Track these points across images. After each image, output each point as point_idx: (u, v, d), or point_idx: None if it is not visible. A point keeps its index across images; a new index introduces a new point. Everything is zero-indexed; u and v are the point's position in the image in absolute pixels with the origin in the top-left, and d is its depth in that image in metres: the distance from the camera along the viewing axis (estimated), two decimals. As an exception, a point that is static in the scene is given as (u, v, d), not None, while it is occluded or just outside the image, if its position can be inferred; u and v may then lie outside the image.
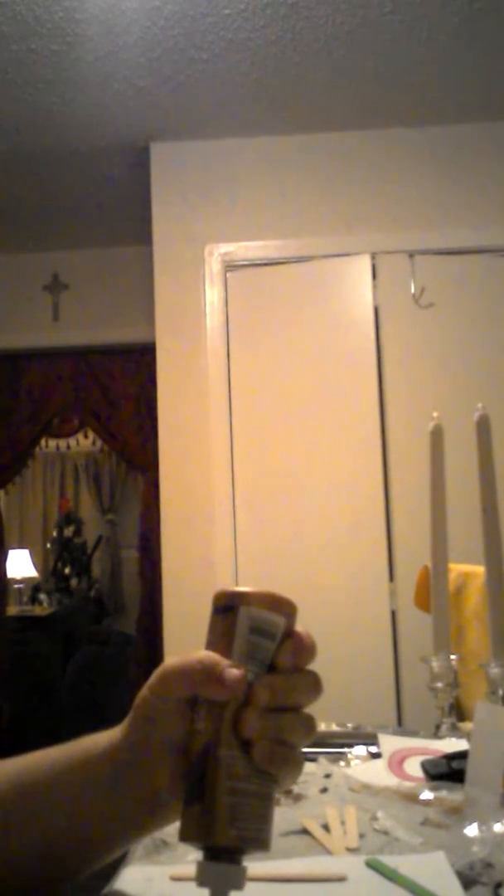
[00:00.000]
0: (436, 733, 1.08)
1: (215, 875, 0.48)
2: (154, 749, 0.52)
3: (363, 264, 2.99)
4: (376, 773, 0.94)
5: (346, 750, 1.04)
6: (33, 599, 6.89)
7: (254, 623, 0.51)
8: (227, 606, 0.52)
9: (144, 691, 0.53)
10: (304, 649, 0.51)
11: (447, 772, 0.86)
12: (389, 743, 1.02)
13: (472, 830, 0.71)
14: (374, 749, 1.04)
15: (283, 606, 0.52)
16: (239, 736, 0.49)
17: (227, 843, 0.47)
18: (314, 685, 0.51)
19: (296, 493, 2.91)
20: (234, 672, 0.49)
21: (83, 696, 4.15)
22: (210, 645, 0.52)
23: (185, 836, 0.49)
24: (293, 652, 0.51)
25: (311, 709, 0.52)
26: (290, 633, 0.52)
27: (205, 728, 0.49)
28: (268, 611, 0.51)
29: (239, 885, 0.48)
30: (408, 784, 0.88)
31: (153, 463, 3.25)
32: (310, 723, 0.51)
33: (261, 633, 0.51)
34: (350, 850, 0.70)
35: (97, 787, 0.54)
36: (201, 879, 0.48)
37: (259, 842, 0.49)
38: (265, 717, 0.49)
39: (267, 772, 0.49)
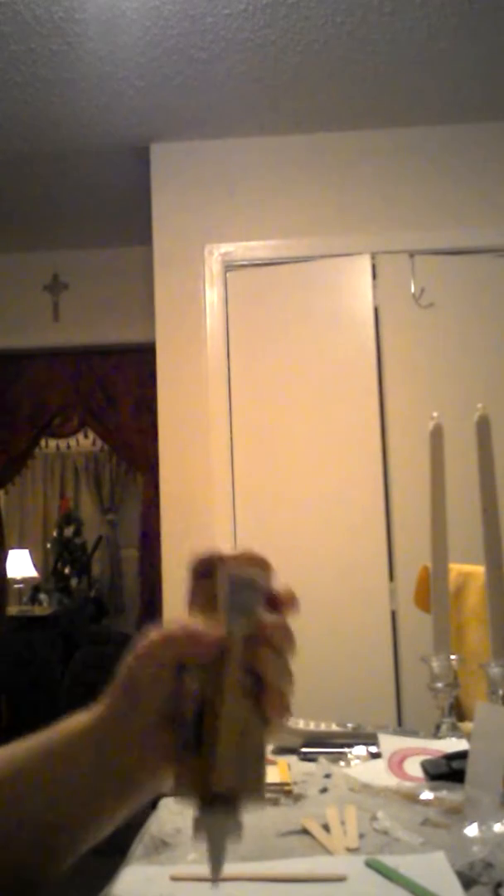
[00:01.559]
0: (436, 733, 1.08)
1: (213, 823, 0.49)
2: (140, 718, 0.53)
3: (363, 264, 2.99)
4: (376, 773, 0.94)
5: (346, 750, 1.04)
6: (33, 599, 6.89)
7: (233, 580, 0.52)
8: (205, 571, 0.53)
9: (129, 661, 0.54)
10: (290, 600, 0.54)
11: (447, 772, 0.86)
12: (389, 743, 1.02)
13: (472, 830, 0.71)
14: (374, 749, 1.04)
15: (258, 561, 0.54)
16: (239, 683, 0.50)
17: (226, 788, 0.48)
18: (292, 637, 0.53)
19: (296, 493, 2.91)
20: (210, 632, 0.51)
21: (83, 696, 4.14)
22: (194, 607, 0.53)
23: (181, 788, 0.50)
24: (281, 601, 0.53)
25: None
26: (272, 588, 0.54)
27: (202, 682, 0.51)
28: (244, 567, 0.53)
29: (237, 834, 0.49)
30: (408, 784, 0.88)
31: (153, 463, 3.25)
32: (291, 672, 0.53)
33: (242, 587, 0.52)
34: (350, 850, 0.70)
35: (81, 764, 0.54)
36: (199, 828, 0.49)
37: (255, 791, 0.50)
38: (275, 658, 0.51)
39: (265, 718, 0.51)
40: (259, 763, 0.50)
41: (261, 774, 0.50)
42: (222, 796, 0.48)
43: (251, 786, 0.49)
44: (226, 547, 0.54)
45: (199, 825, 0.49)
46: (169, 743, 0.51)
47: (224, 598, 0.52)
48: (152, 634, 0.53)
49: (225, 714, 0.49)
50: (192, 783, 0.49)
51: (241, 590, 0.52)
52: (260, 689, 0.50)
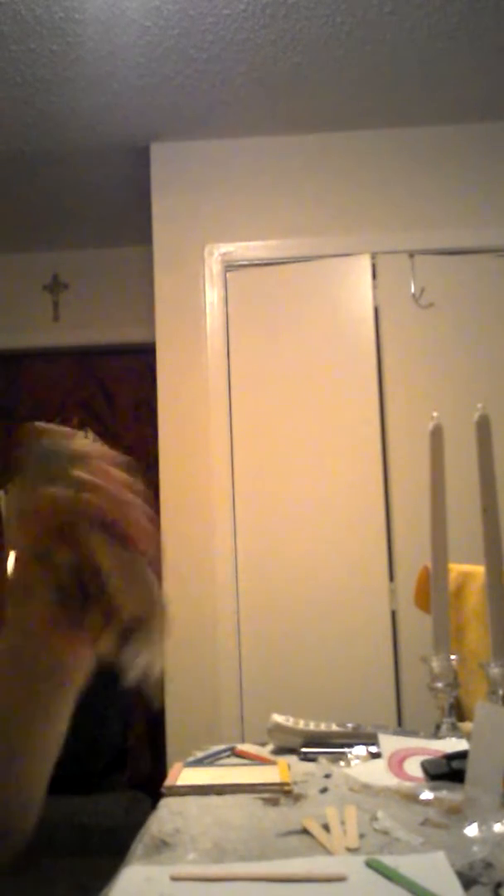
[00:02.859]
0: (436, 733, 1.08)
1: (138, 650, 0.52)
2: (31, 608, 0.55)
3: (363, 264, 2.99)
4: (376, 773, 0.94)
5: (346, 750, 1.04)
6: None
7: (39, 448, 0.56)
8: (20, 445, 0.57)
9: (4, 587, 0.57)
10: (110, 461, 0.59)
11: (447, 772, 0.86)
12: (389, 743, 1.02)
13: (472, 830, 0.71)
14: (374, 749, 1.04)
15: (63, 432, 0.58)
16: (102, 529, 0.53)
17: (132, 613, 0.52)
18: (117, 477, 0.59)
19: (296, 493, 2.91)
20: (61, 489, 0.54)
21: (82, 695, 4.14)
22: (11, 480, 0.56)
23: (96, 646, 0.54)
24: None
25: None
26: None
27: (64, 550, 0.53)
28: (51, 438, 0.57)
29: (162, 656, 0.53)
30: (408, 784, 0.88)
31: (153, 463, 3.25)
32: (127, 500, 0.57)
33: (49, 455, 0.56)
34: (350, 850, 0.70)
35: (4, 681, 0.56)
36: (127, 663, 0.52)
37: (157, 609, 0.55)
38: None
39: (131, 550, 0.55)
40: (148, 586, 0.54)
41: (156, 595, 0.54)
42: (134, 627, 0.52)
43: (153, 607, 0.53)
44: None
45: (126, 660, 0.52)
46: (62, 615, 0.54)
47: (32, 466, 0.54)
48: (8, 528, 0.55)
49: (102, 560, 0.52)
50: (101, 632, 0.52)
51: (47, 459, 0.55)
52: (110, 527, 0.54)
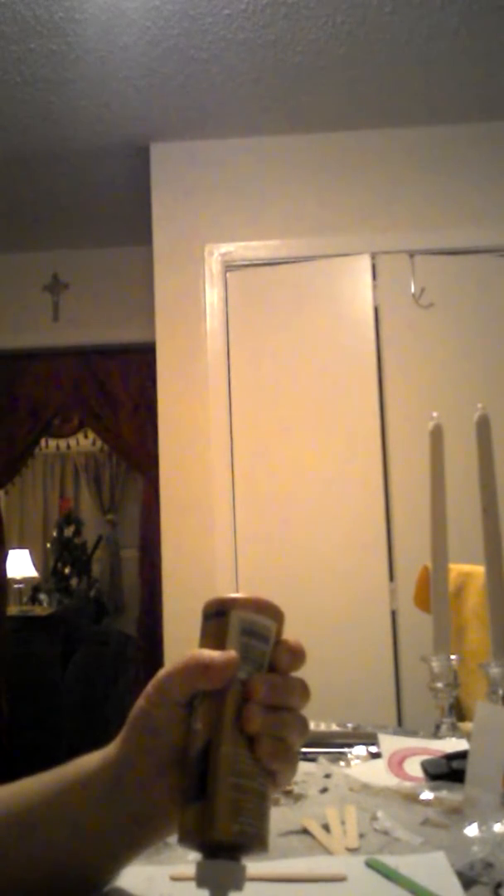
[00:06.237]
0: (436, 733, 1.08)
1: (215, 873, 0.47)
2: (151, 760, 0.52)
3: (363, 264, 2.99)
4: (376, 773, 0.94)
5: (346, 750, 1.04)
6: (33, 599, 6.89)
7: (244, 625, 0.52)
8: (217, 612, 0.53)
9: (140, 702, 0.53)
10: (299, 652, 0.53)
11: (447, 772, 0.86)
12: (389, 743, 1.02)
13: (472, 830, 0.71)
14: (374, 749, 1.03)
15: (271, 610, 0.53)
16: (242, 730, 0.49)
17: (228, 838, 0.47)
18: (305, 689, 0.53)
19: (296, 493, 2.91)
20: (222, 656, 0.50)
21: (83, 695, 4.15)
22: (203, 647, 0.53)
23: (184, 836, 0.48)
24: (289, 653, 0.53)
25: (312, 708, 0.52)
26: (280, 639, 0.53)
27: (205, 727, 0.50)
28: (257, 614, 0.52)
29: (239, 885, 0.48)
30: (408, 784, 0.88)
31: (153, 463, 3.25)
32: (304, 723, 0.52)
33: (252, 634, 0.52)
34: (350, 850, 0.70)
35: (93, 805, 0.53)
36: (201, 878, 0.47)
37: (259, 839, 0.48)
38: (266, 713, 0.50)
39: (267, 769, 0.49)
40: (260, 812, 0.49)
41: (263, 824, 0.49)
42: (224, 845, 0.47)
43: (255, 833, 0.48)
44: (239, 592, 0.54)
45: (201, 874, 0.47)
46: (177, 788, 0.50)
47: (233, 639, 0.51)
48: (161, 672, 0.52)
49: (222, 759, 0.48)
50: (196, 829, 0.47)
51: (249, 636, 0.52)
52: (254, 737, 0.49)
